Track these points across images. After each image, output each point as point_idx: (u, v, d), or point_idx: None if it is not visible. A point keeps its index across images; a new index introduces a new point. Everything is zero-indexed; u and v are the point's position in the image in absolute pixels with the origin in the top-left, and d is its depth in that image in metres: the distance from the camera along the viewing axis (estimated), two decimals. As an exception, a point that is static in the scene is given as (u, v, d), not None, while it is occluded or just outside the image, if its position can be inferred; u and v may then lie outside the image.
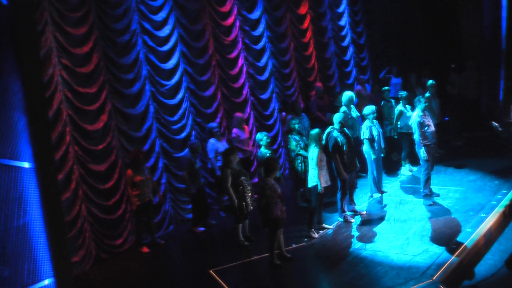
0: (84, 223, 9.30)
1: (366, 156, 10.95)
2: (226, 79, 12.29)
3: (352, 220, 9.97)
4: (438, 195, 10.59)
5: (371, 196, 11.09)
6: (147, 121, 10.52)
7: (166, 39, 10.96)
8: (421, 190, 10.47)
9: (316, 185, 9.23)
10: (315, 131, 9.43)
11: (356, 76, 16.47)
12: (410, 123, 10.81)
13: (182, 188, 10.88)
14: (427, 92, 13.05)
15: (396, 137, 12.52)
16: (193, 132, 11.43)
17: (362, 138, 10.85)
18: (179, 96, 11.17)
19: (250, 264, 8.87)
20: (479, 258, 8.33)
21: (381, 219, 9.96)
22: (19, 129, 4.94)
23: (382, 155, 11.05)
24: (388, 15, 17.82)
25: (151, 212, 9.93)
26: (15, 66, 4.98)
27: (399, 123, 12.14)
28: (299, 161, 10.57)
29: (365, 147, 10.84)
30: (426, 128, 10.19)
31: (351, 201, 10.31)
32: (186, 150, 10.37)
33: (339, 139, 9.74)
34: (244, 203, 9.23)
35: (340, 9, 16.14)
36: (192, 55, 11.49)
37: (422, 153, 10.16)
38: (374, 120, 10.85)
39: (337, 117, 9.94)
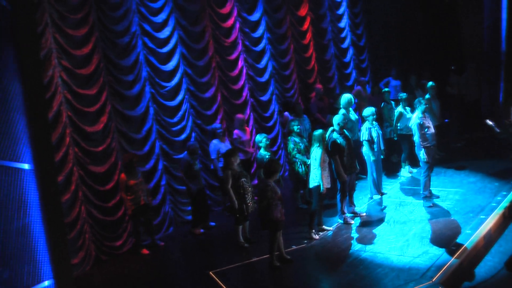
0: (84, 224, 9.30)
1: (365, 158, 10.96)
2: (226, 80, 12.30)
3: (352, 222, 9.97)
4: (438, 197, 10.59)
5: (371, 198, 11.10)
6: (147, 122, 10.52)
7: (166, 40, 10.97)
8: (421, 192, 10.46)
9: (318, 186, 9.23)
10: (319, 131, 9.42)
11: (356, 78, 16.48)
12: (410, 125, 10.81)
13: (182, 190, 10.88)
14: (427, 94, 13.05)
15: (396, 139, 12.53)
16: (193, 134, 11.43)
17: (361, 140, 10.86)
18: (179, 97, 11.18)
19: (250, 266, 8.87)
20: (479, 260, 8.33)
21: (381, 220, 9.95)
22: (19, 130, 4.94)
23: (381, 157, 11.05)
24: (388, 16, 17.84)
25: (150, 214, 9.92)
26: (15, 67, 4.98)
27: (399, 124, 12.15)
28: (298, 163, 10.57)
29: (365, 149, 10.85)
30: (426, 130, 10.18)
31: (351, 203, 10.31)
32: (186, 152, 10.37)
33: (338, 141, 9.74)
34: (244, 204, 9.22)
35: (340, 11, 16.15)
36: (192, 57, 11.50)
37: (422, 155, 10.16)
38: (374, 122, 10.86)
39: (336, 119, 9.95)
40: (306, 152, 10.42)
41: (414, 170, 12.31)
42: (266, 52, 13.45)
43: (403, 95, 12.45)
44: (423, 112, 10.33)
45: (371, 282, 7.84)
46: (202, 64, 11.68)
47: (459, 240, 8.66)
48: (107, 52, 9.85)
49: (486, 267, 8.10)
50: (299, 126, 10.95)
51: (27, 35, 5.18)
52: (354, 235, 9.45)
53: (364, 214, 10.33)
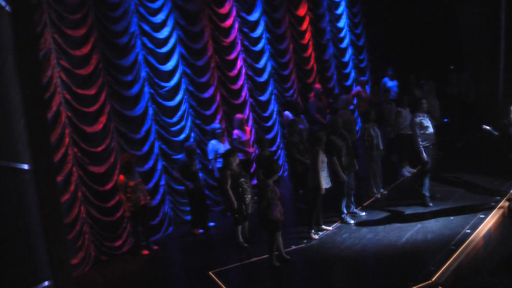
0: (84, 225, 9.30)
1: (365, 157, 10.96)
2: (225, 80, 12.30)
3: (352, 222, 9.97)
4: (437, 197, 10.59)
5: (371, 198, 11.09)
6: (146, 123, 10.52)
7: (165, 40, 10.97)
8: (420, 192, 10.46)
9: (317, 186, 9.23)
10: (318, 132, 9.42)
11: (355, 77, 16.50)
12: (409, 124, 10.81)
13: (181, 190, 10.88)
14: (426, 93, 13.05)
15: (395, 138, 12.53)
16: (192, 134, 11.43)
17: (360, 139, 10.86)
18: (178, 97, 11.18)
19: (250, 266, 8.86)
20: (479, 260, 8.33)
21: (381, 220, 9.95)
22: (18, 131, 4.93)
23: (380, 156, 11.06)
24: (387, 16, 17.86)
25: (148, 216, 9.91)
26: (14, 67, 4.97)
27: (398, 124, 12.14)
28: (298, 162, 10.57)
29: (364, 149, 10.85)
30: (425, 130, 10.19)
31: (350, 203, 10.30)
32: (184, 152, 10.35)
33: (336, 141, 9.74)
34: (243, 204, 9.22)
35: (339, 11, 16.18)
36: (191, 57, 11.50)
37: (421, 154, 10.16)
38: (373, 122, 10.86)
39: (333, 119, 9.95)
40: (306, 152, 10.42)
41: (414, 170, 12.31)
42: (265, 52, 13.46)
43: (403, 94, 12.45)
44: (422, 112, 10.33)
45: (371, 282, 7.85)
46: (201, 64, 11.69)
47: (458, 239, 8.65)
48: (106, 52, 9.84)
49: (485, 267, 8.10)
50: (296, 126, 10.97)
51: (26, 35, 5.17)
52: (354, 235, 9.45)
53: (364, 214, 10.33)
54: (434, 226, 9.38)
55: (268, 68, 13.53)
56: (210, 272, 8.55)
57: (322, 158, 9.27)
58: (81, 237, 9.20)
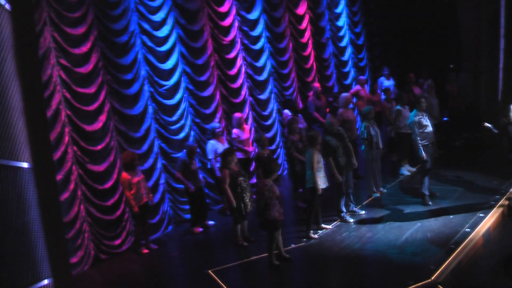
0: (83, 223, 9.29)
1: (364, 156, 10.97)
2: (225, 79, 12.30)
3: (351, 221, 9.97)
4: (437, 195, 10.60)
5: (370, 196, 11.10)
6: (146, 121, 10.52)
7: (165, 39, 10.97)
8: (420, 190, 10.47)
9: (313, 187, 9.23)
10: (312, 133, 9.42)
11: (354, 76, 16.50)
12: (408, 123, 10.82)
13: (181, 189, 10.88)
14: (425, 92, 13.06)
15: (394, 137, 12.55)
16: (192, 133, 11.43)
17: (360, 138, 10.87)
18: (178, 96, 11.18)
19: (249, 265, 8.87)
20: (478, 259, 8.33)
21: (380, 219, 9.96)
22: (18, 129, 4.93)
23: (380, 155, 11.07)
24: (386, 15, 17.86)
25: (147, 215, 9.91)
26: (13, 66, 4.97)
27: (397, 123, 12.15)
28: (296, 161, 10.58)
29: (364, 148, 10.86)
30: (424, 129, 10.19)
31: (350, 202, 10.31)
32: (184, 151, 10.33)
33: (331, 142, 9.73)
34: (242, 203, 9.23)
35: (339, 10, 16.18)
36: (191, 56, 11.50)
37: (420, 153, 10.17)
38: (372, 121, 10.87)
39: (327, 122, 9.95)
40: (305, 151, 10.42)
41: (413, 169, 12.31)
42: (264, 51, 13.46)
43: (401, 93, 12.46)
44: (421, 111, 10.33)
45: (370, 280, 7.85)
46: (200, 63, 11.68)
47: (458, 238, 8.66)
48: (105, 51, 9.83)
49: (485, 265, 8.10)
50: (296, 125, 10.99)
51: (25, 34, 5.17)
52: (353, 233, 9.45)
53: (363, 212, 10.34)
54: (433, 225, 9.38)
55: (268, 67, 13.53)
56: (209, 271, 8.55)
57: (318, 159, 9.25)
58: (80, 235, 9.19)
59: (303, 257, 8.86)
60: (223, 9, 12.31)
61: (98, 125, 9.60)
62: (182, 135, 11.17)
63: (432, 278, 7.47)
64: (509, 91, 14.86)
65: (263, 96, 13.32)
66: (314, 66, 15.06)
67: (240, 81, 12.68)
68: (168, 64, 11.02)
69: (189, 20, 11.48)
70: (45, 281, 5.03)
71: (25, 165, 4.97)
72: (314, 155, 9.18)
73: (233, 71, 12.52)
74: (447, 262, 7.88)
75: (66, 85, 9.17)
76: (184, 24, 11.37)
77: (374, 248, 8.74)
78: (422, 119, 10.25)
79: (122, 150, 10.00)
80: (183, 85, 11.33)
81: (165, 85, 10.94)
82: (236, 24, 12.69)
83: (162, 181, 10.75)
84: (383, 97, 13.34)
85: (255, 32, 13.19)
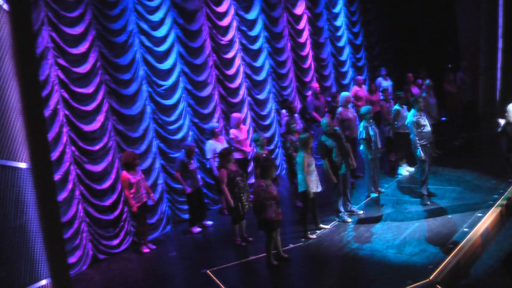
0: (81, 223, 9.29)
1: (363, 156, 10.98)
2: (223, 79, 12.29)
3: (349, 220, 9.98)
4: (435, 195, 10.60)
5: (368, 196, 11.10)
6: (144, 121, 10.50)
7: (163, 39, 10.95)
8: (418, 190, 10.48)
9: (305, 191, 9.22)
10: (303, 135, 9.40)
11: (352, 76, 16.51)
12: (406, 123, 10.82)
13: (179, 189, 10.87)
14: (424, 92, 13.07)
15: (393, 137, 12.55)
16: (191, 133, 11.42)
17: (359, 138, 10.88)
18: (176, 96, 11.17)
19: (247, 265, 8.87)
20: (476, 258, 8.35)
21: (378, 219, 9.96)
22: (16, 129, 4.92)
23: (378, 155, 11.08)
24: (384, 15, 17.87)
25: (145, 215, 9.91)
26: (11, 66, 4.96)
27: (396, 123, 12.16)
28: (294, 161, 10.58)
29: (362, 147, 10.87)
30: (422, 128, 10.20)
31: (348, 201, 10.30)
32: (182, 151, 10.32)
33: (327, 143, 9.72)
34: (240, 203, 9.23)
35: (337, 10, 16.17)
36: (189, 55, 11.49)
37: (418, 153, 10.17)
38: (371, 120, 10.88)
39: (323, 123, 9.94)
40: None
41: (411, 169, 12.32)
42: (263, 50, 13.46)
43: (400, 93, 12.46)
44: (419, 110, 10.34)
45: (368, 280, 7.86)
46: (199, 63, 11.67)
47: (456, 238, 8.67)
48: (103, 50, 9.82)
49: (483, 265, 8.12)
50: (294, 125, 11.00)
51: (23, 33, 5.16)
52: (352, 233, 9.46)
53: (362, 212, 10.34)
54: (431, 224, 9.39)
55: (266, 67, 13.52)
56: (207, 271, 8.55)
57: (309, 162, 9.24)
58: (78, 235, 9.19)
59: (301, 257, 8.87)
60: (221, 9, 12.30)
61: (96, 125, 9.59)
62: (180, 135, 11.16)
63: (431, 277, 7.48)
64: (507, 91, 14.89)
65: (261, 96, 13.32)
66: (312, 66, 15.06)
67: (238, 81, 12.68)
68: (167, 64, 11.01)
69: (187, 20, 11.47)
70: (43, 281, 5.03)
71: (23, 165, 4.96)
72: (305, 158, 9.17)
73: (232, 71, 12.51)
74: (445, 261, 7.89)
75: (64, 85, 9.16)
76: (182, 24, 11.36)
77: (372, 248, 8.75)
78: (421, 119, 10.26)
79: (120, 150, 10.00)
80: (181, 85, 11.33)
81: (163, 85, 10.93)
82: (235, 24, 12.69)
83: (160, 181, 10.75)
84: (381, 97, 13.34)
85: (254, 32, 13.19)
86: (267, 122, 13.43)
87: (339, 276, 8.27)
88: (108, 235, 9.72)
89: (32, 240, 4.97)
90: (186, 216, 10.88)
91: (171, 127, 11.02)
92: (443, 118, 14.95)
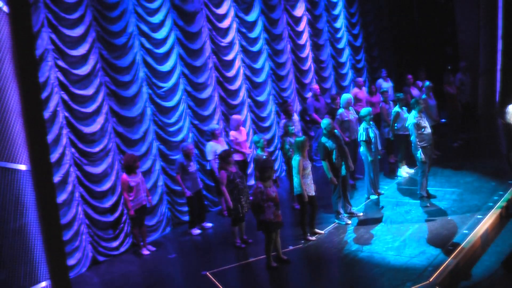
0: (81, 225, 9.28)
1: (363, 158, 10.98)
2: (223, 81, 12.29)
3: (349, 222, 9.97)
4: (434, 197, 10.60)
5: (368, 198, 11.10)
6: (144, 123, 10.50)
7: (163, 41, 10.95)
8: (418, 192, 10.47)
9: (301, 194, 9.21)
10: (299, 139, 9.39)
11: (352, 78, 16.51)
12: (406, 125, 10.82)
13: (179, 191, 10.87)
14: (423, 94, 13.07)
15: (392, 139, 12.55)
16: (191, 135, 11.42)
17: (359, 140, 10.88)
18: (176, 98, 11.17)
19: (247, 266, 8.87)
20: (476, 260, 8.34)
21: (378, 220, 9.96)
22: (16, 131, 4.93)
23: (379, 157, 11.08)
24: (384, 17, 17.88)
25: (145, 217, 9.91)
26: (11, 68, 4.97)
27: (396, 124, 12.16)
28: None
29: (362, 149, 10.87)
30: (422, 130, 10.20)
31: (347, 203, 10.30)
32: (181, 153, 10.32)
33: (327, 144, 9.72)
34: (239, 205, 9.23)
35: (336, 11, 16.17)
36: (189, 57, 11.49)
37: (418, 154, 10.17)
38: (371, 122, 10.88)
39: (323, 124, 9.94)
40: None
41: (411, 170, 12.31)
42: (262, 52, 13.46)
43: (399, 95, 12.47)
44: (420, 112, 10.34)
45: (368, 282, 7.85)
46: (199, 65, 11.68)
47: (456, 240, 8.67)
48: (103, 52, 9.83)
49: (483, 267, 8.12)
50: (293, 127, 11.00)
51: (23, 35, 5.17)
52: (351, 235, 9.46)
53: (361, 214, 10.33)
54: (431, 226, 9.38)
55: (266, 68, 13.52)
56: (207, 273, 8.55)
57: (305, 165, 9.23)
58: (78, 237, 9.19)
59: (301, 259, 8.86)
60: (221, 11, 12.30)
61: (96, 127, 9.59)
62: (180, 136, 11.16)
63: (430, 279, 7.48)
64: (506, 92, 14.89)
65: (261, 98, 13.32)
66: (312, 68, 15.07)
67: (238, 82, 12.68)
68: (167, 66, 11.01)
69: (187, 22, 11.48)
70: (43, 283, 5.03)
71: (22, 167, 4.97)
72: (301, 161, 9.16)
73: (231, 73, 12.51)
74: (445, 263, 7.89)
75: (64, 86, 9.16)
76: (182, 25, 11.36)
77: (372, 249, 8.75)
78: (421, 121, 10.26)
79: (120, 152, 10.00)
80: (181, 86, 11.33)
81: (163, 87, 10.92)
82: (234, 25, 12.69)
83: (160, 183, 10.74)
84: (381, 98, 13.34)
85: (253, 34, 13.19)
86: (267, 124, 13.43)
87: (339, 278, 8.27)
88: (108, 237, 9.72)
89: (31, 242, 4.98)
90: (186, 218, 10.87)
91: (171, 129, 11.02)
92: (443, 120, 14.94)
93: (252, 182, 12.01)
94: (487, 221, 9.23)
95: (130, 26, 10.28)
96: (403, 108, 12.09)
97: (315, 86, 14.03)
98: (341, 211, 10.05)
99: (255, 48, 13.24)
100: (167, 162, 10.89)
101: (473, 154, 13.44)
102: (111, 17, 9.94)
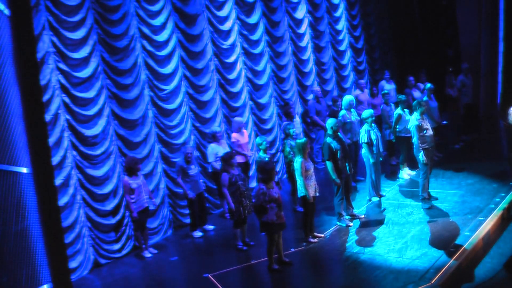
0: (83, 228, 9.29)
1: (364, 160, 10.97)
2: (225, 83, 12.30)
3: (351, 224, 9.96)
4: (436, 199, 10.59)
5: (370, 200, 11.09)
6: (146, 125, 10.50)
7: (165, 43, 10.95)
8: (420, 194, 10.45)
9: (305, 196, 9.21)
10: (301, 140, 9.38)
11: (354, 80, 16.51)
12: (408, 127, 10.81)
13: (181, 193, 10.87)
14: (425, 96, 13.06)
15: (394, 141, 12.55)
16: (192, 137, 11.43)
17: (360, 142, 10.88)
18: (178, 100, 11.17)
19: (249, 269, 8.86)
20: (478, 262, 8.33)
21: (380, 223, 9.95)
22: (17, 134, 4.93)
23: (380, 159, 11.08)
24: (385, 18, 17.88)
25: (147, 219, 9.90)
26: (12, 71, 4.98)
27: (397, 126, 12.15)
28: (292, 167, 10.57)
29: (364, 151, 10.86)
30: (424, 132, 10.19)
31: (349, 205, 10.29)
32: (182, 156, 10.33)
33: (332, 145, 9.72)
34: (241, 207, 9.23)
35: (338, 13, 16.16)
36: (191, 60, 11.50)
37: (420, 156, 10.17)
38: (373, 124, 10.88)
39: (329, 123, 9.94)
40: None
41: (413, 172, 12.30)
42: (264, 54, 13.46)
43: (402, 97, 12.46)
44: (421, 114, 10.33)
45: (370, 284, 7.84)
46: (200, 67, 11.68)
47: (457, 241, 8.66)
48: (105, 55, 9.84)
49: (485, 268, 8.11)
50: (294, 130, 11.00)
51: (24, 39, 5.18)
52: (353, 237, 9.45)
53: (363, 216, 10.32)
54: (433, 228, 9.38)
55: (267, 71, 13.52)
56: (209, 275, 8.55)
57: (307, 167, 9.23)
58: (80, 240, 9.19)
59: (302, 261, 8.85)
60: (223, 13, 12.31)
61: (97, 129, 9.59)
62: (182, 139, 11.16)
63: (432, 281, 7.47)
64: (508, 94, 14.88)
65: (262, 100, 13.32)
66: (314, 70, 15.07)
67: (239, 85, 12.68)
68: (168, 68, 11.02)
69: (188, 24, 11.49)
70: (45, 286, 5.04)
71: (24, 170, 4.97)
72: (303, 163, 9.16)
73: (233, 75, 12.51)
74: (447, 265, 7.88)
75: (65, 89, 9.17)
76: (183, 28, 11.37)
77: (374, 251, 8.74)
78: (423, 123, 10.25)
79: (122, 154, 10.00)
80: (183, 89, 11.33)
81: (165, 89, 10.93)
82: (236, 28, 12.70)
83: (162, 185, 10.74)
84: (382, 100, 13.33)
85: (255, 36, 13.19)
86: (269, 126, 13.43)
87: (341, 281, 8.25)
88: (110, 240, 9.72)
89: (33, 245, 4.99)
90: (188, 220, 10.87)
91: (173, 132, 11.02)
92: (444, 122, 14.93)
93: (254, 184, 12.01)
94: (489, 223, 9.22)
95: (131, 29, 10.29)
96: (405, 110, 12.08)
97: (317, 88, 14.04)
98: (343, 213, 10.05)
99: (257, 50, 13.24)
100: (168, 164, 10.89)
101: (475, 156, 13.43)
102: (112, 20, 9.95)
